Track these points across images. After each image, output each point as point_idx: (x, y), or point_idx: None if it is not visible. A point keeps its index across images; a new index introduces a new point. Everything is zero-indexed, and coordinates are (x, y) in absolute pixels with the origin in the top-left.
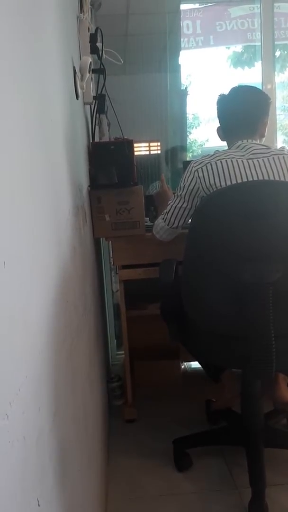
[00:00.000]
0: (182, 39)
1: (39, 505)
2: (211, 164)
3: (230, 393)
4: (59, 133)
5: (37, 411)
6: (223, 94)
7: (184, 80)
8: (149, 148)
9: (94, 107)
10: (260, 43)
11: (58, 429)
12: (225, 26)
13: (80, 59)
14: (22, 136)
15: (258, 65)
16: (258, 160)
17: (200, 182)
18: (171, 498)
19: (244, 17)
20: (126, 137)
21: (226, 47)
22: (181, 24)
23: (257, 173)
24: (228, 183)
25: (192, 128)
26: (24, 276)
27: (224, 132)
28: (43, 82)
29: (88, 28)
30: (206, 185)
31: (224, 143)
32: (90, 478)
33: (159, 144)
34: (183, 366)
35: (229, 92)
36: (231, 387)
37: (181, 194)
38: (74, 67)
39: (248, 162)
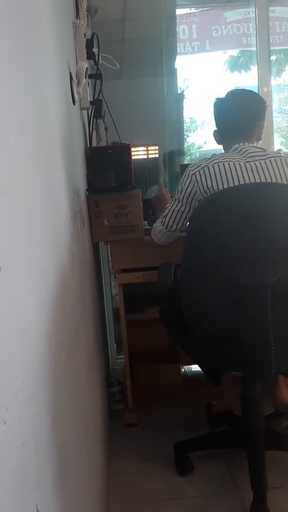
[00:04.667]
0: (178, 44)
1: (37, 511)
2: (208, 167)
3: (231, 396)
4: (56, 138)
5: (35, 416)
6: (219, 98)
7: (181, 84)
8: (147, 152)
9: (91, 112)
10: (255, 48)
11: (57, 434)
12: (220, 30)
13: (77, 64)
14: (18, 141)
15: (254, 68)
16: (255, 163)
17: (198, 185)
18: (172, 503)
19: (239, 22)
20: (123, 142)
21: (223, 52)
22: (177, 29)
23: (254, 176)
24: (226, 186)
25: (190, 131)
26: (21, 281)
27: (220, 135)
28: (39, 88)
29: (84, 34)
30: (203, 188)
31: (221, 147)
32: (90, 483)
33: (157, 148)
34: (183, 370)
35: (226, 95)
36: (232, 390)
37: (179, 198)
38: (70, 73)
39: (245, 165)
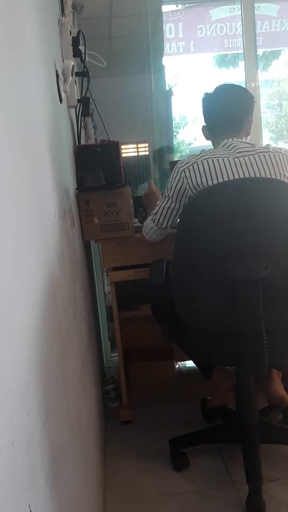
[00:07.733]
0: (164, 44)
1: (30, 511)
2: (197, 163)
3: (223, 388)
4: (42, 137)
5: (26, 416)
6: (208, 93)
7: (170, 80)
8: (137, 149)
9: (79, 110)
10: (235, 51)
11: (50, 434)
12: (205, 30)
13: (63, 62)
14: (1, 140)
15: (242, 64)
16: (244, 158)
17: (187, 182)
18: (169, 498)
19: (223, 21)
20: (112, 139)
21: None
22: (164, 27)
23: (243, 171)
24: (215, 181)
25: (180, 128)
26: (7, 281)
27: (209, 130)
28: (24, 87)
29: (70, 32)
30: (193, 184)
31: (210, 143)
32: (85, 482)
33: (147, 145)
34: (177, 366)
35: (214, 90)
36: (223, 383)
37: (169, 195)
38: (56, 71)
39: (234, 160)
